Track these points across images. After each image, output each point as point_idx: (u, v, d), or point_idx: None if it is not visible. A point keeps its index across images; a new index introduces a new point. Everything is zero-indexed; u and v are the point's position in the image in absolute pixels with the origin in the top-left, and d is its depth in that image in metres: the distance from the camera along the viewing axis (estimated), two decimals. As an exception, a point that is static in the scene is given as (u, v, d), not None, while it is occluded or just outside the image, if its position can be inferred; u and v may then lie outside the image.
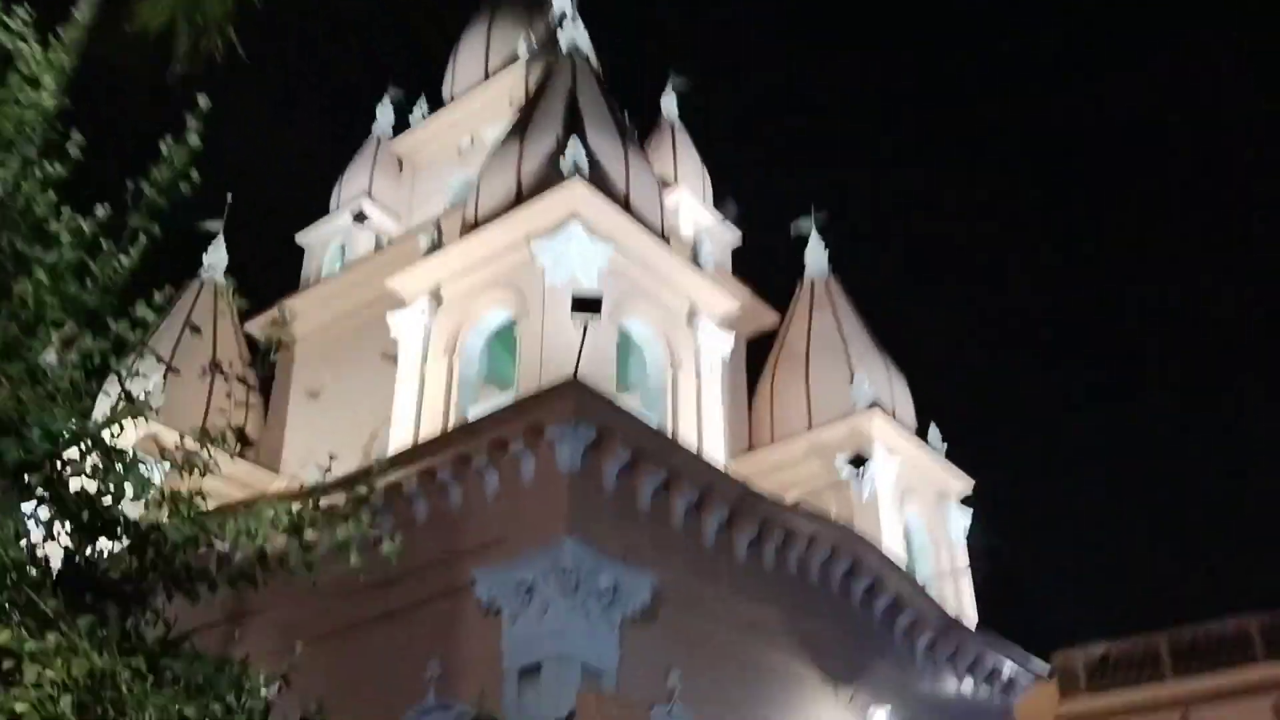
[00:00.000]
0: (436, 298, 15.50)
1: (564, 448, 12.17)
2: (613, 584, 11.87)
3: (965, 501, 20.42)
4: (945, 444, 20.19)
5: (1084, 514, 55.27)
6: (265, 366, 18.03)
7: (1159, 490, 54.53)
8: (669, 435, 14.24)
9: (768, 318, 21.55)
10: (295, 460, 18.93)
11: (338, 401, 18.93)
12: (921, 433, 20.03)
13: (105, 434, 5.49)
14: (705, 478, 13.74)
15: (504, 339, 15.47)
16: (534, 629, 11.49)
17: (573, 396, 12.16)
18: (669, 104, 24.17)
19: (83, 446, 5.47)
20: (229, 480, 17.18)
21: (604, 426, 12.45)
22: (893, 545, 17.81)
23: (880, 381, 19.74)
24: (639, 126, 19.88)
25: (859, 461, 17.20)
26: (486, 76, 21.53)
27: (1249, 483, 50.34)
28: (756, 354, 21.59)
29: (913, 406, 20.66)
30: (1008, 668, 18.70)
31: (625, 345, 16.15)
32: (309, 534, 7.00)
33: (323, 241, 22.04)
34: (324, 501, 13.13)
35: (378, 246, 20.91)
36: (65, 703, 4.49)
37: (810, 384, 19.75)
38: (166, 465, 6.09)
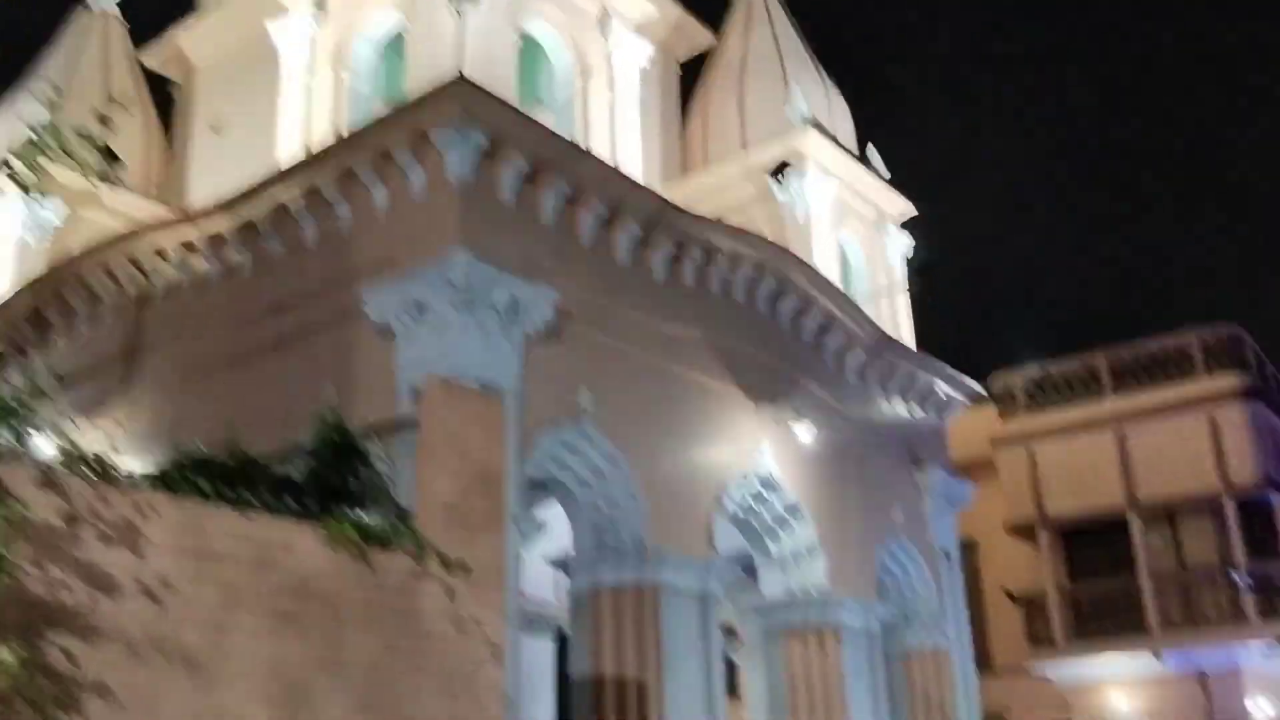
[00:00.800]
0: (320, 2, 14.16)
1: (452, 155, 11.25)
2: (511, 299, 11.21)
3: (905, 226, 19.83)
4: (887, 170, 19.42)
5: (1026, 240, 55.22)
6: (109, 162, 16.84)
7: (1103, 212, 54.41)
8: (575, 144, 13.27)
9: (702, 38, 20.17)
10: (202, 197, 17.98)
11: (241, 133, 17.73)
12: (862, 156, 19.21)
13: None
14: (616, 190, 12.91)
15: (399, 50, 14.24)
16: (427, 348, 10.88)
17: (458, 97, 11.13)
18: None
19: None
20: (131, 221, 16.26)
21: (497, 131, 11.50)
22: (826, 267, 17.26)
23: (818, 100, 18.72)
24: None
25: (780, 170, 16.38)
26: None
27: (1191, 202, 50.29)
28: (691, 77, 20.42)
29: (853, 128, 19.76)
30: (943, 389, 18.56)
31: (534, 56, 14.97)
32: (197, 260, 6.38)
33: (215, -39, 20.19)
34: (211, 228, 12.19)
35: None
36: None
37: (744, 102, 18.65)
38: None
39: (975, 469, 20.99)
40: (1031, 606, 21.48)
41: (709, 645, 12.98)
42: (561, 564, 12.71)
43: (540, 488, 13.09)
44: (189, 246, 13.67)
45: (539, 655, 15.10)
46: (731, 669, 19.44)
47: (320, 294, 12.18)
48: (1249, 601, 19.26)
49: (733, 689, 19.02)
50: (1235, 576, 18.94)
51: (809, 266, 15.98)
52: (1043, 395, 22.35)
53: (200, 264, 13.78)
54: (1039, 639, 20.99)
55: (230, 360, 12.95)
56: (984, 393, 19.43)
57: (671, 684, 12.28)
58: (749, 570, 15.78)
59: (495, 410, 6.69)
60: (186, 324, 13.84)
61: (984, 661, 22.19)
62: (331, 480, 7.05)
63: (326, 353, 11.94)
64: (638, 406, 12.89)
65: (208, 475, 6.21)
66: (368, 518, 6.14)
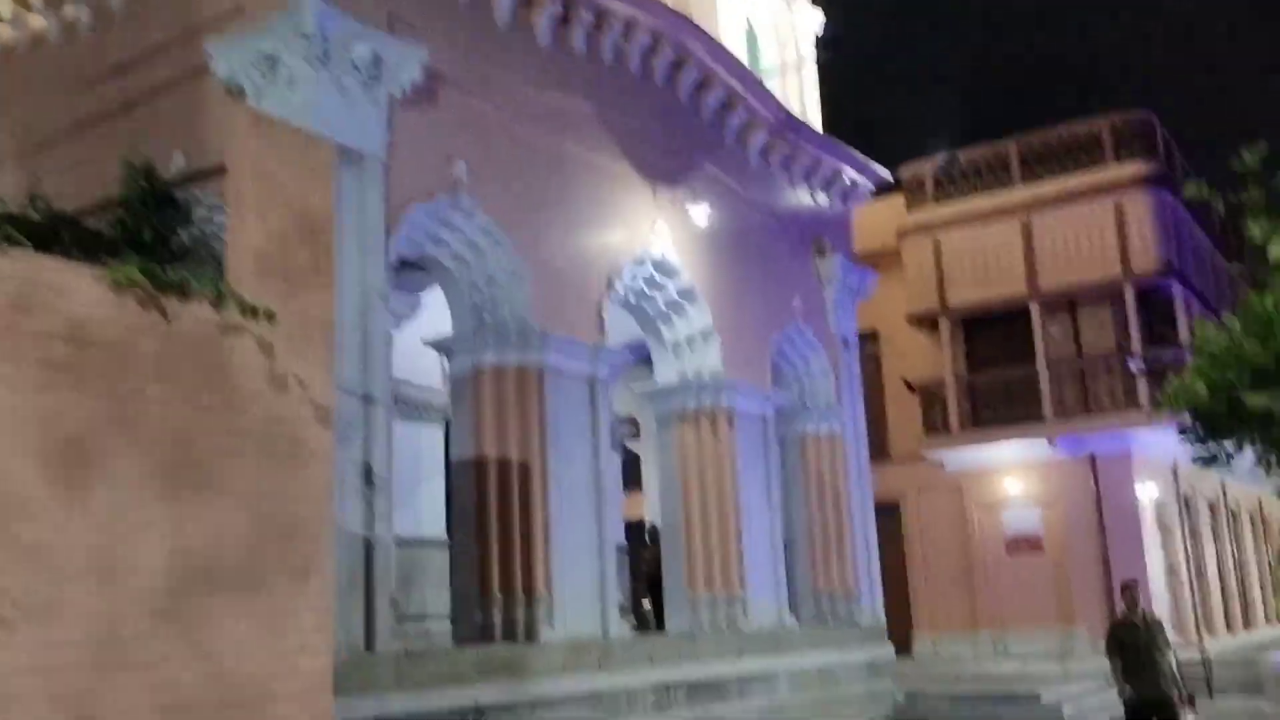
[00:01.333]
0: None
1: (303, -111, 10.02)
2: (373, 56, 10.21)
3: (816, 1, 18.85)
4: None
5: (941, 26, 54.08)
6: None
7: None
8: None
9: None
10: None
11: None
12: (773, -77, 18.02)
13: None
14: (493, -60, 11.78)
15: None
16: (281, 108, 9.88)
17: None
18: None
19: None
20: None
21: None
22: (730, 40, 16.32)
23: None
24: None
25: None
26: None
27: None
28: None
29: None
30: (849, 175, 18.00)
31: None
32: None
33: None
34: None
35: None
36: None
37: None
38: None
39: (881, 260, 20.73)
40: (930, 396, 21.66)
41: (598, 431, 12.65)
42: (442, 346, 12.12)
43: (418, 269, 12.41)
44: (22, 1, 12.32)
45: (428, 443, 14.72)
46: (636, 462, 19.43)
47: (166, 51, 11.05)
48: (1142, 387, 19.54)
49: (637, 482, 19.06)
50: (1130, 363, 19.13)
51: (710, 38, 15.05)
52: (951, 184, 21.96)
53: (37, 21, 12.47)
54: (936, 427, 21.24)
55: (73, 128, 11.84)
56: (891, 180, 18.91)
57: (558, 468, 11.97)
58: (646, 360, 15.43)
59: (320, 153, 5.93)
60: (26, 88, 12.62)
61: (882, 450, 22.55)
62: (144, 234, 6.32)
63: (174, 116, 10.91)
64: (521, 182, 12.11)
65: (5, 231, 5.46)
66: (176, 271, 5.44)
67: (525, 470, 11.63)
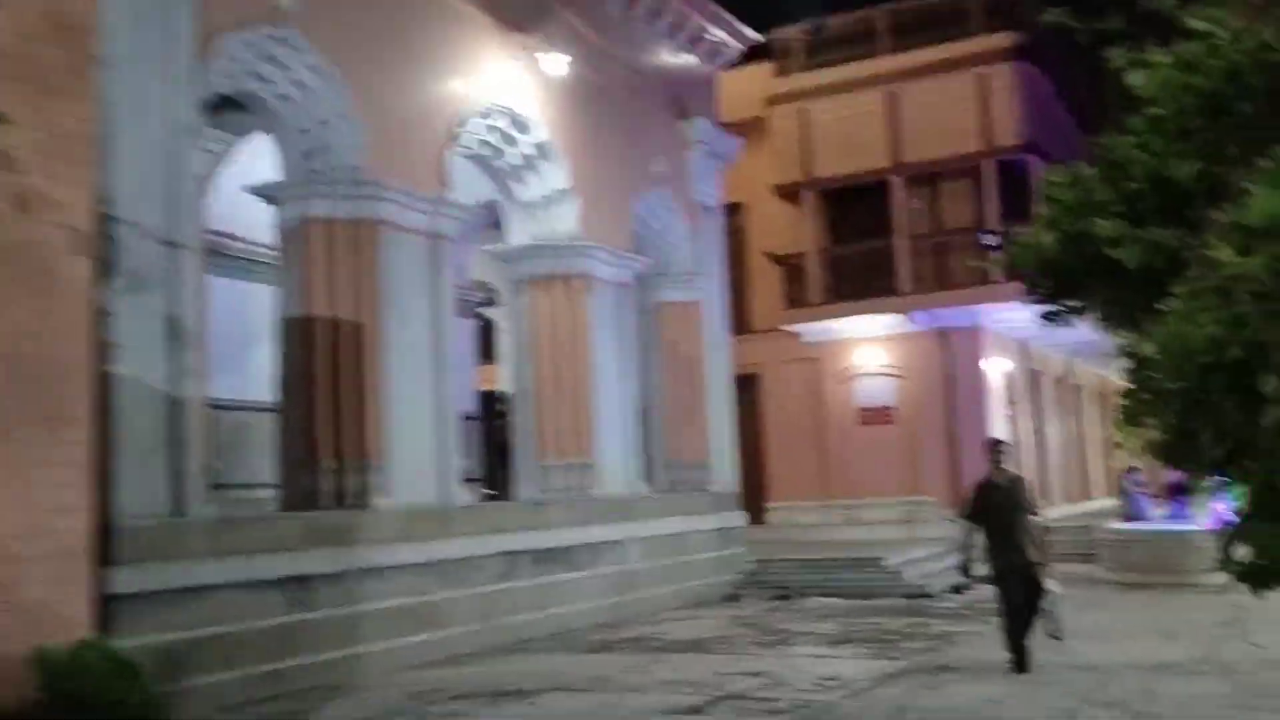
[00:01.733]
0: None
1: None
2: None
3: None
4: None
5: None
6: None
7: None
8: None
9: None
10: None
11: None
12: None
13: None
14: None
15: None
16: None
17: None
18: None
19: None
20: None
21: None
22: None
23: None
24: None
25: None
26: None
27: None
28: None
29: None
30: (716, 34, 17.32)
31: None
32: None
33: None
34: None
35: None
36: None
37: None
38: None
39: (749, 131, 20.21)
40: (791, 268, 21.51)
41: (439, 291, 12.00)
42: (267, 194, 11.20)
43: (243, 110, 11.38)
44: None
45: (259, 303, 13.82)
46: (492, 332, 18.82)
47: None
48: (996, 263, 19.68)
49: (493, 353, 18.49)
50: (982, 237, 19.23)
51: (569, -126, 14.06)
52: (819, 52, 21.47)
53: None
54: (796, 300, 21.15)
55: None
56: (759, 41, 18.31)
57: (395, 330, 11.32)
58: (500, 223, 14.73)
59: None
60: None
61: (743, 322, 22.38)
62: None
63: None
64: (355, 17, 11.13)
65: None
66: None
67: (358, 331, 10.95)
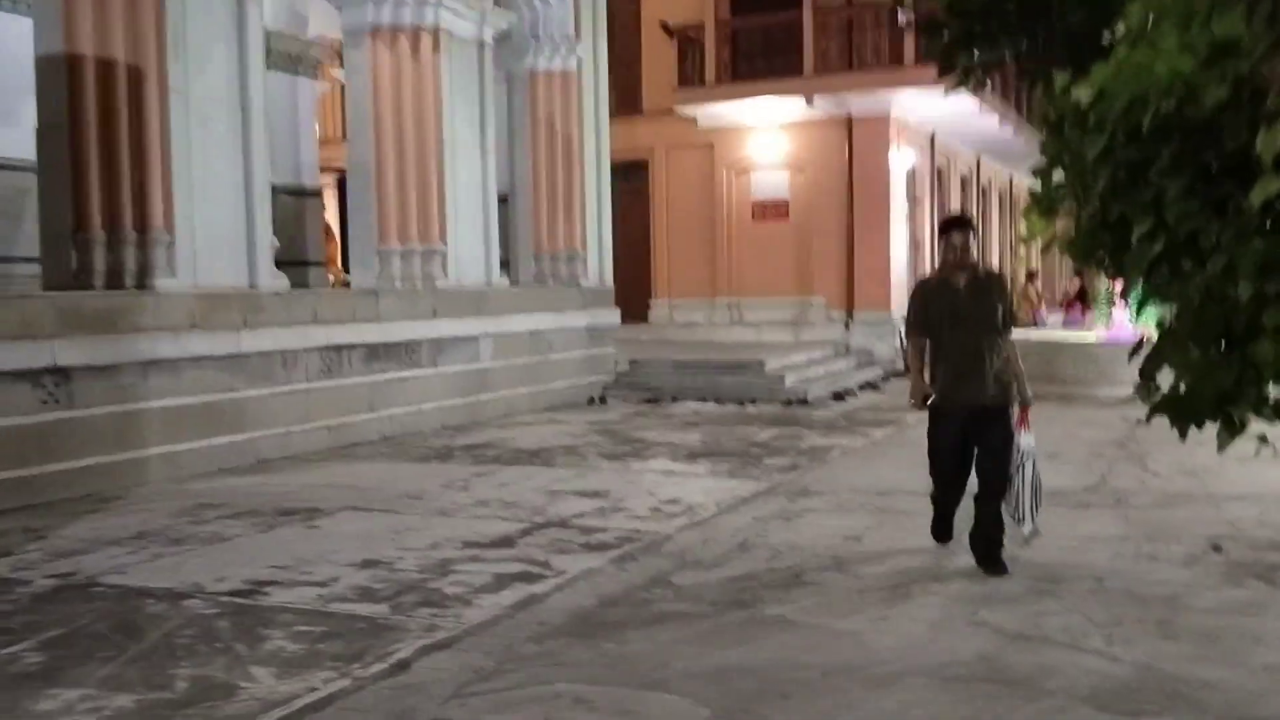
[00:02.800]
0: None
1: None
2: None
3: None
4: None
5: None
6: None
7: None
8: None
9: None
10: None
11: None
12: None
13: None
14: None
15: None
16: None
17: None
18: None
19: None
20: None
21: None
22: None
23: None
24: None
25: None
26: None
27: None
28: None
29: None
30: None
31: None
32: None
33: None
34: None
35: None
36: None
37: None
38: None
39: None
40: (687, 41, 19.53)
41: (247, 36, 10.01)
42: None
43: None
44: None
45: (19, 40, 11.60)
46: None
47: None
48: (909, 44, 17.99)
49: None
50: (900, 15, 17.43)
51: None
52: None
53: None
54: (691, 79, 19.26)
55: None
56: None
57: (186, 79, 9.41)
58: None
59: None
60: None
61: (633, 102, 20.56)
62: None
63: None
64: None
65: None
66: None
67: (137, 76, 9.00)
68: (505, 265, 14.58)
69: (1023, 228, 33.46)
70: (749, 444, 10.67)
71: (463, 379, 12.60)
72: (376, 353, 11.34)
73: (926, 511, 6.50)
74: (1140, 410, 3.51)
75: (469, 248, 12.97)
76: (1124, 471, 8.78)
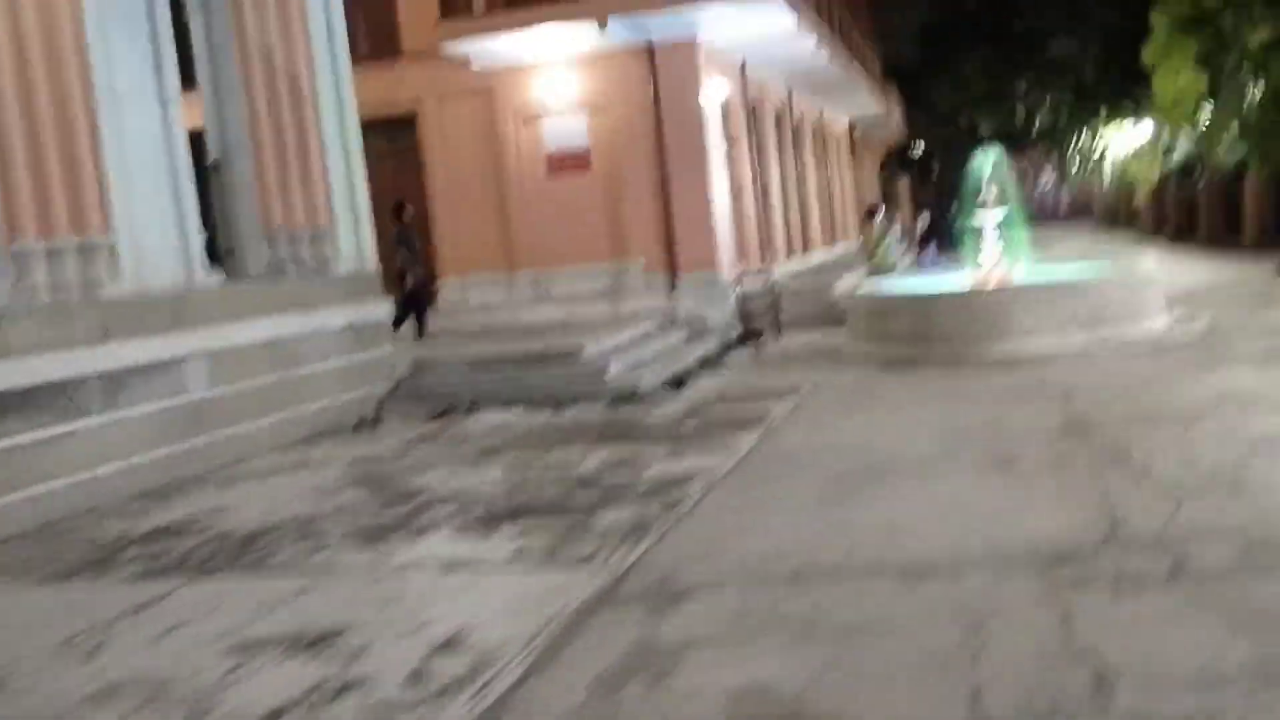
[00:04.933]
0: None
1: None
2: None
3: None
4: None
5: None
6: None
7: None
8: None
9: None
10: None
11: None
12: None
13: None
14: None
15: None
16: None
17: None
18: None
19: None
20: None
21: None
22: None
23: None
24: None
25: None
26: None
27: None
28: None
29: None
30: None
31: None
32: None
33: None
34: None
35: None
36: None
37: None
38: None
39: None
40: (447, -39, 16.01)
41: None
42: None
43: None
44: None
45: None
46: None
47: None
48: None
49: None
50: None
51: None
52: None
53: None
54: (457, 7, 15.74)
55: None
56: None
57: None
58: None
59: None
60: None
61: (389, 43, 16.96)
62: None
63: None
64: None
65: None
66: None
67: None
68: (224, 254, 10.92)
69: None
70: (572, 482, 7.48)
71: (162, 422, 8.94)
72: (5, 405, 7.60)
73: (892, 621, 3.49)
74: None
75: (154, 236, 9.27)
76: (1128, 491, 5.95)
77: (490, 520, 6.59)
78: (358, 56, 16.97)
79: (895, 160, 48.50)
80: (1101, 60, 32.34)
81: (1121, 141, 35.77)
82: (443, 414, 11.43)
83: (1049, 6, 32.10)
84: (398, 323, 14.39)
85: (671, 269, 16.41)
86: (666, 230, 16.39)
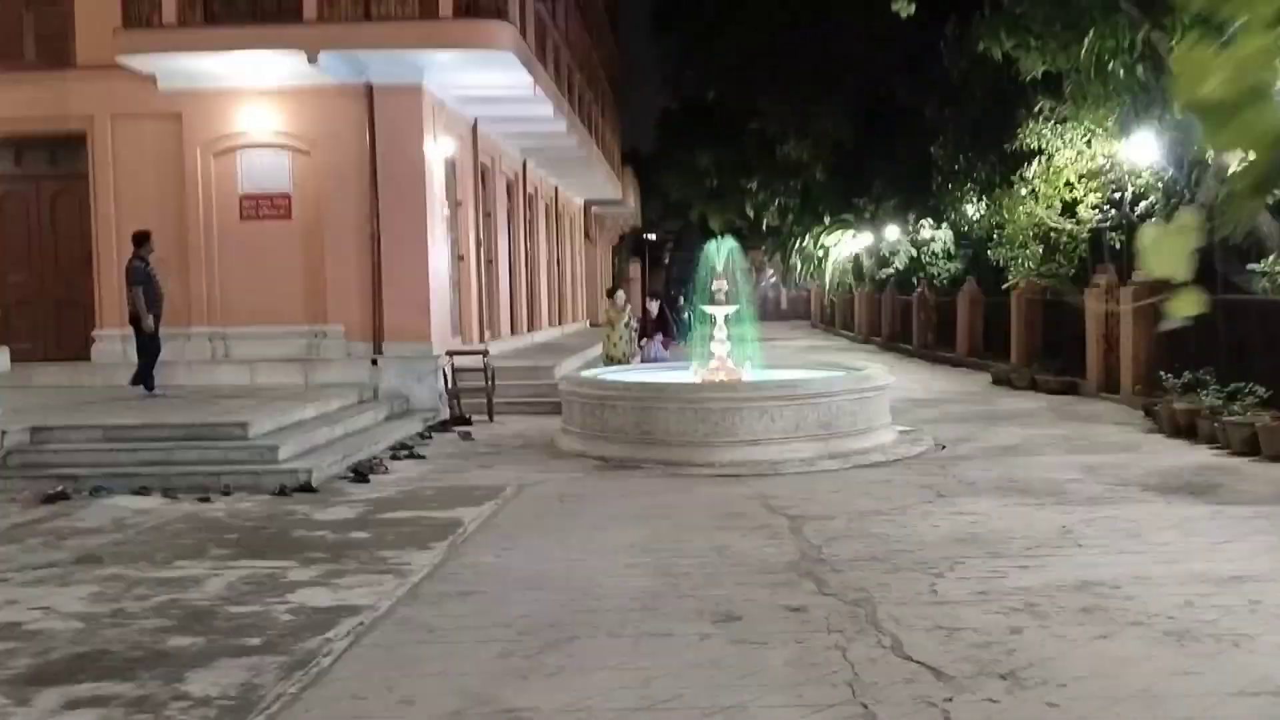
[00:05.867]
0: None
1: None
2: None
3: None
4: None
5: None
6: None
7: None
8: None
9: None
10: None
11: None
12: None
13: None
14: None
15: None
16: None
17: None
18: None
19: None
20: None
21: None
22: None
23: None
24: None
25: None
26: None
27: None
28: None
29: None
30: None
31: None
32: None
33: None
34: None
35: None
36: None
37: None
38: None
39: None
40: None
41: None
42: None
43: None
44: None
45: None
46: None
47: None
48: (448, -8, 13.58)
49: None
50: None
51: None
52: None
53: None
54: (144, 18, 13.53)
55: None
56: None
57: None
58: None
59: None
60: None
61: (60, 52, 14.56)
62: None
63: None
64: None
65: None
66: None
67: None
68: None
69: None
70: (180, 616, 5.61)
71: None
72: None
73: None
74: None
75: None
76: (881, 675, 4.68)
77: (29, 683, 4.65)
78: (21, 63, 14.64)
79: (629, 246, 48.54)
80: (830, 167, 33.21)
81: (843, 247, 36.93)
82: (57, 497, 9.18)
83: (784, 109, 32.72)
84: (141, 379, 12.18)
85: (376, 338, 14.62)
86: (374, 294, 14.61)
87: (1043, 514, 7.85)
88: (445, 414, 14.27)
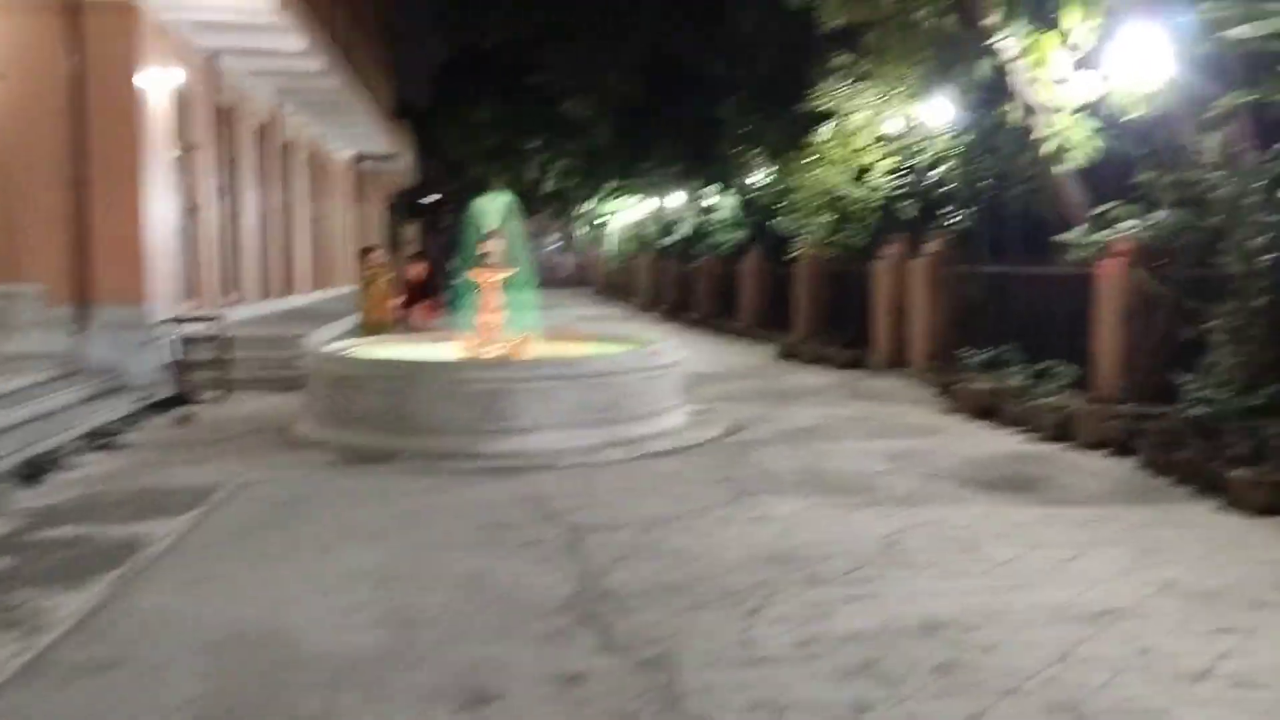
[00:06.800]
0: None
1: None
2: None
3: None
4: None
5: None
6: None
7: None
8: None
9: None
10: None
11: None
12: None
13: None
14: None
15: None
16: None
17: None
18: None
19: None
20: None
21: None
22: None
23: None
24: None
25: None
26: None
27: None
28: None
29: None
30: None
31: None
32: None
33: None
34: None
35: None
36: None
37: None
38: None
39: None
40: None
41: None
42: None
43: None
44: None
45: None
46: None
47: None
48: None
49: None
50: None
51: None
52: None
53: None
54: None
55: None
56: None
57: None
58: None
59: None
60: None
61: None
62: None
63: None
64: None
65: None
66: None
67: None
68: None
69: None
70: None
71: None
72: None
73: None
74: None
75: None
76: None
77: None
78: None
79: (405, 204, 45.97)
80: (615, 128, 31.89)
81: (627, 213, 35.83)
82: None
83: (566, 61, 31.06)
84: None
85: (82, 299, 12.34)
86: (80, 249, 12.32)
87: (858, 518, 6.74)
88: (169, 392, 12.17)
